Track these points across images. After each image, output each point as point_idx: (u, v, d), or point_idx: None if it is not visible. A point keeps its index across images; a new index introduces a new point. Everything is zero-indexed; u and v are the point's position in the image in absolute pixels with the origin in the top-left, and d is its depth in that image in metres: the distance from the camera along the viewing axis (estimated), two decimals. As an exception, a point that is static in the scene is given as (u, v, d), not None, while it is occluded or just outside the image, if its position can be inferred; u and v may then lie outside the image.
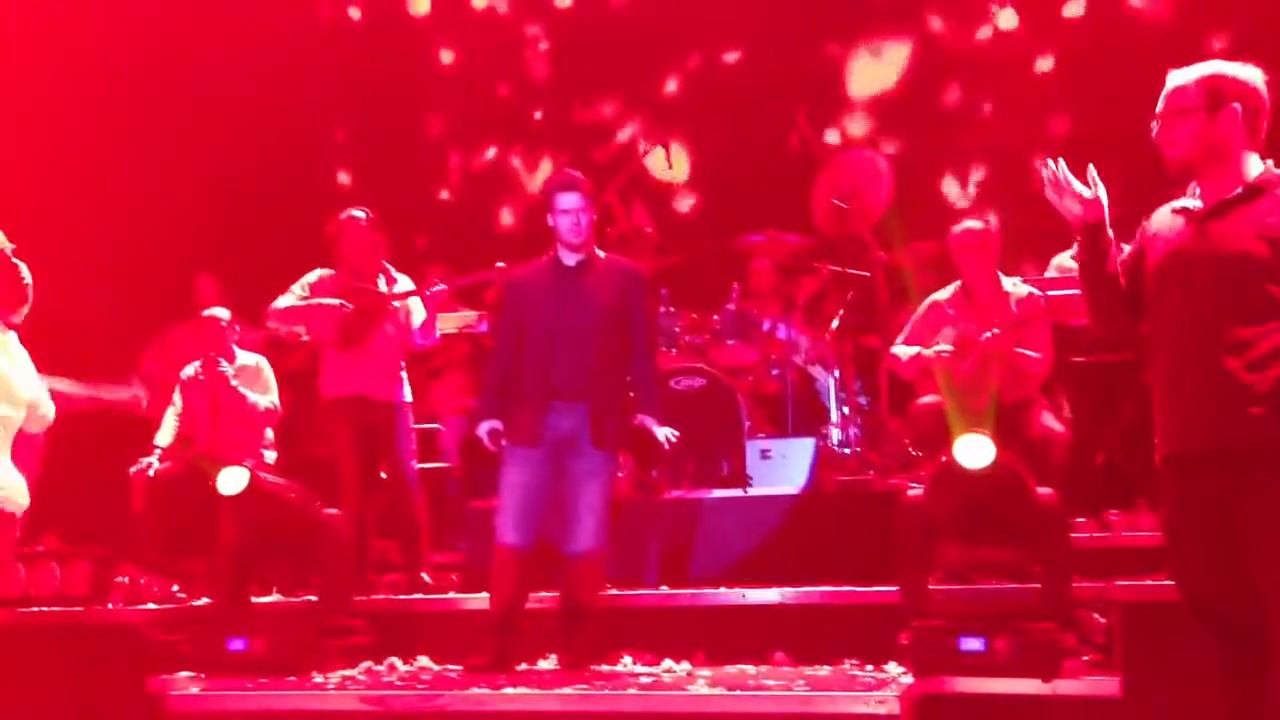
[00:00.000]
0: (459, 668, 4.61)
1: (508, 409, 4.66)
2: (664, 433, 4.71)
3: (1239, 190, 3.02)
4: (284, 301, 5.52)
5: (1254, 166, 3.05)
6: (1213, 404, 2.94)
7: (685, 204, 7.98)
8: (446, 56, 8.68)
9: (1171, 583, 3.12)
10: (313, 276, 5.57)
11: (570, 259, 4.71)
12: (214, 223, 7.55)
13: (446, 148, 8.68)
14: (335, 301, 5.46)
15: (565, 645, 4.60)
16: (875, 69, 7.85)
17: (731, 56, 8.12)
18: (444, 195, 8.67)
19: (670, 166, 7.01)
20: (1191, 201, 3.11)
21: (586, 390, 4.59)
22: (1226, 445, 2.92)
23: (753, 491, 5.52)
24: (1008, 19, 7.67)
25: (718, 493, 5.59)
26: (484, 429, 4.67)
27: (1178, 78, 3.10)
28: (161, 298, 7.16)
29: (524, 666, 4.55)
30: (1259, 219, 2.97)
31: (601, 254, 4.81)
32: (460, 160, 8.69)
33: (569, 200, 4.65)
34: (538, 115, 8.52)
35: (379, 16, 8.71)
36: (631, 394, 4.78)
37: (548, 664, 4.65)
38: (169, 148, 7.58)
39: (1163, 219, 3.17)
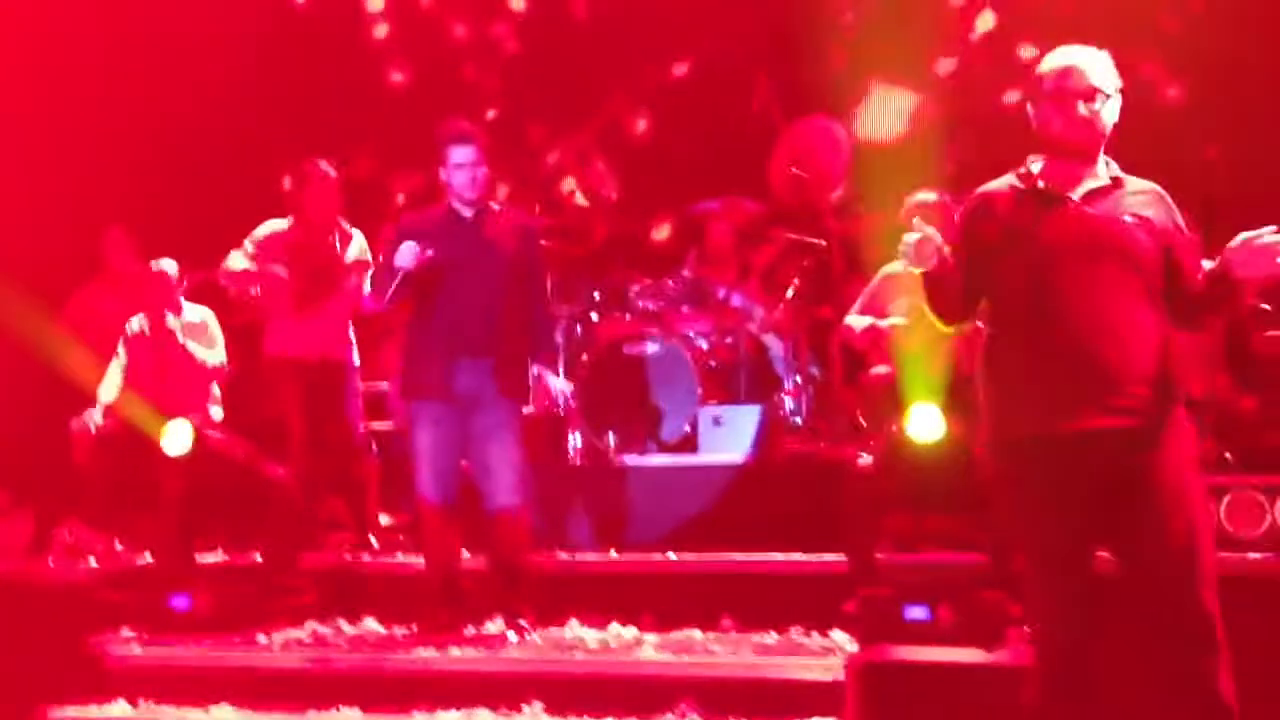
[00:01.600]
0: (405, 630, 4.59)
1: (409, 363, 4.59)
2: (558, 384, 4.73)
3: (1110, 179, 3.09)
4: (236, 263, 5.41)
5: (1103, 158, 3.12)
6: (1087, 383, 2.94)
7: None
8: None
9: (1027, 561, 3.08)
10: (263, 230, 5.46)
11: (466, 211, 4.62)
12: (125, 174, 7.32)
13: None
14: (279, 269, 5.37)
15: (504, 607, 4.54)
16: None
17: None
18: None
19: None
20: (1043, 184, 3.09)
21: (493, 345, 4.51)
22: (1117, 423, 2.92)
23: (703, 458, 5.53)
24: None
25: (669, 458, 5.59)
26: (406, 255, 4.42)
27: (1099, 56, 3.11)
28: (72, 253, 6.95)
29: (472, 631, 4.49)
30: (1128, 207, 3.04)
31: (495, 205, 4.75)
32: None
33: (463, 154, 4.53)
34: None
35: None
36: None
37: (495, 627, 4.60)
38: (80, 96, 7.35)
39: (1003, 202, 3.12)
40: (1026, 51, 6.68)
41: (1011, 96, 6.53)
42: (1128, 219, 3.03)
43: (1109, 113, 3.08)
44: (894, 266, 5.30)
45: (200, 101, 7.43)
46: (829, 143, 6.47)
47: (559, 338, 5.93)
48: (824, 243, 6.27)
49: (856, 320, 5.27)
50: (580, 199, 6.58)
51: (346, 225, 5.59)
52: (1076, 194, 3.06)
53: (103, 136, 7.28)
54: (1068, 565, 2.98)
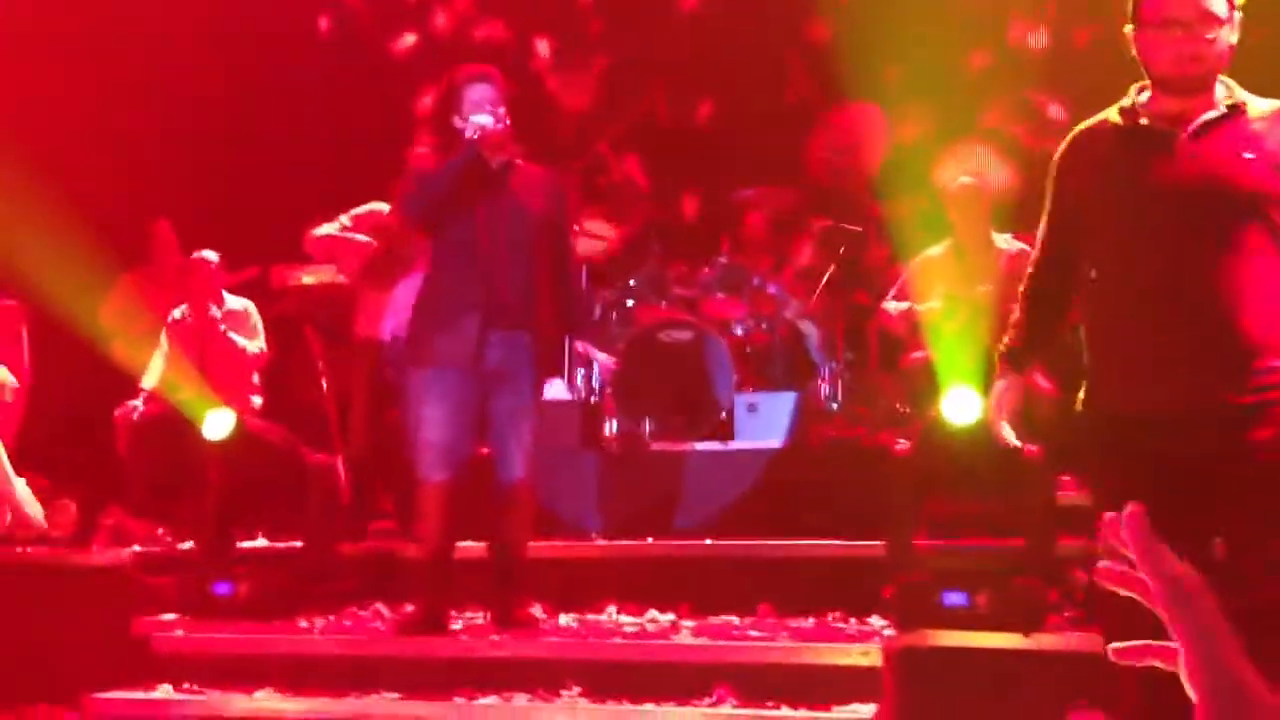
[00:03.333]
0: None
1: (428, 325, 4.16)
2: (604, 357, 4.44)
3: (1227, 106, 2.67)
4: (324, 229, 5.45)
5: (1220, 83, 2.71)
6: (1211, 355, 2.56)
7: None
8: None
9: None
10: (361, 208, 5.49)
11: (493, 161, 4.15)
12: (170, 166, 7.41)
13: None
14: (363, 239, 5.39)
15: (495, 596, 4.28)
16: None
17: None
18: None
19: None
20: (1146, 119, 2.69)
21: (529, 316, 4.13)
22: (1227, 402, 2.55)
23: (739, 444, 5.52)
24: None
25: (704, 445, 5.58)
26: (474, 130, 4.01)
27: None
28: (118, 244, 7.04)
29: (459, 624, 4.37)
30: (1249, 139, 2.63)
31: (519, 161, 4.29)
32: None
33: (481, 91, 4.09)
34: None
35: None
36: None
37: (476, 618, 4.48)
38: (124, 88, 7.43)
39: (1102, 141, 2.74)
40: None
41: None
42: (1247, 155, 2.61)
43: (1224, 39, 2.64)
44: (932, 251, 5.27)
45: (251, 98, 7.51)
46: (866, 129, 6.43)
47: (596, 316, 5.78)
48: (860, 229, 6.24)
49: (893, 305, 5.25)
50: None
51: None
52: (1187, 129, 2.65)
53: (152, 131, 7.37)
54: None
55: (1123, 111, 2.72)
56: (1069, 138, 2.84)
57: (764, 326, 6.23)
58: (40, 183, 6.67)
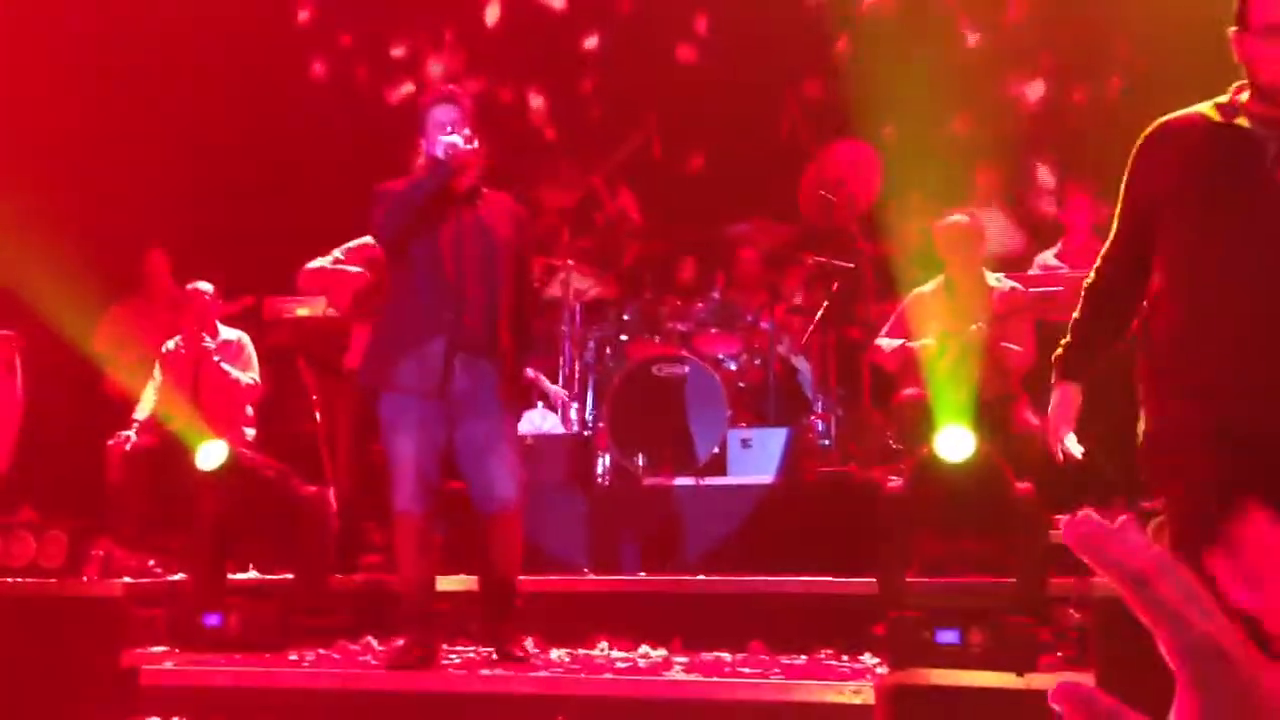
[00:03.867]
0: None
1: (392, 349, 4.11)
2: (556, 389, 4.44)
3: None
4: (316, 263, 5.49)
5: None
6: None
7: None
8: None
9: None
10: (355, 242, 5.54)
11: (460, 186, 4.13)
12: (164, 196, 7.44)
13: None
14: (355, 270, 5.42)
15: (488, 630, 4.24)
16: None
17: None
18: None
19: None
20: (1242, 120, 2.52)
21: (495, 342, 4.10)
22: None
23: (732, 479, 5.53)
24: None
25: (696, 480, 5.59)
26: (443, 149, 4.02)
27: None
28: (111, 273, 7.06)
29: (456, 658, 4.36)
30: None
31: (484, 190, 4.28)
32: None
33: (445, 112, 4.10)
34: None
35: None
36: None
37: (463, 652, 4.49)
38: (119, 119, 7.47)
39: (1193, 133, 2.56)
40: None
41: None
42: None
43: None
44: (924, 288, 5.31)
45: (248, 130, 7.55)
46: (859, 166, 6.48)
47: (589, 357, 5.86)
48: (853, 265, 6.28)
49: (886, 341, 5.27)
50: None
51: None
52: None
53: (148, 161, 7.40)
54: None
55: (1220, 108, 2.54)
56: (1154, 127, 2.63)
57: (757, 362, 6.25)
58: (35, 211, 6.69)
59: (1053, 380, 2.82)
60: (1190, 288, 2.52)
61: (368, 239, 5.51)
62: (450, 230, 4.10)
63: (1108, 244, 2.75)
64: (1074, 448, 2.77)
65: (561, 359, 5.99)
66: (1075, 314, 2.79)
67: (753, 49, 7.77)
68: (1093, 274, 2.79)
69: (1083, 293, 2.79)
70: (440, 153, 4.06)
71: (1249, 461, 2.37)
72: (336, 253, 5.48)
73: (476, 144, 4.11)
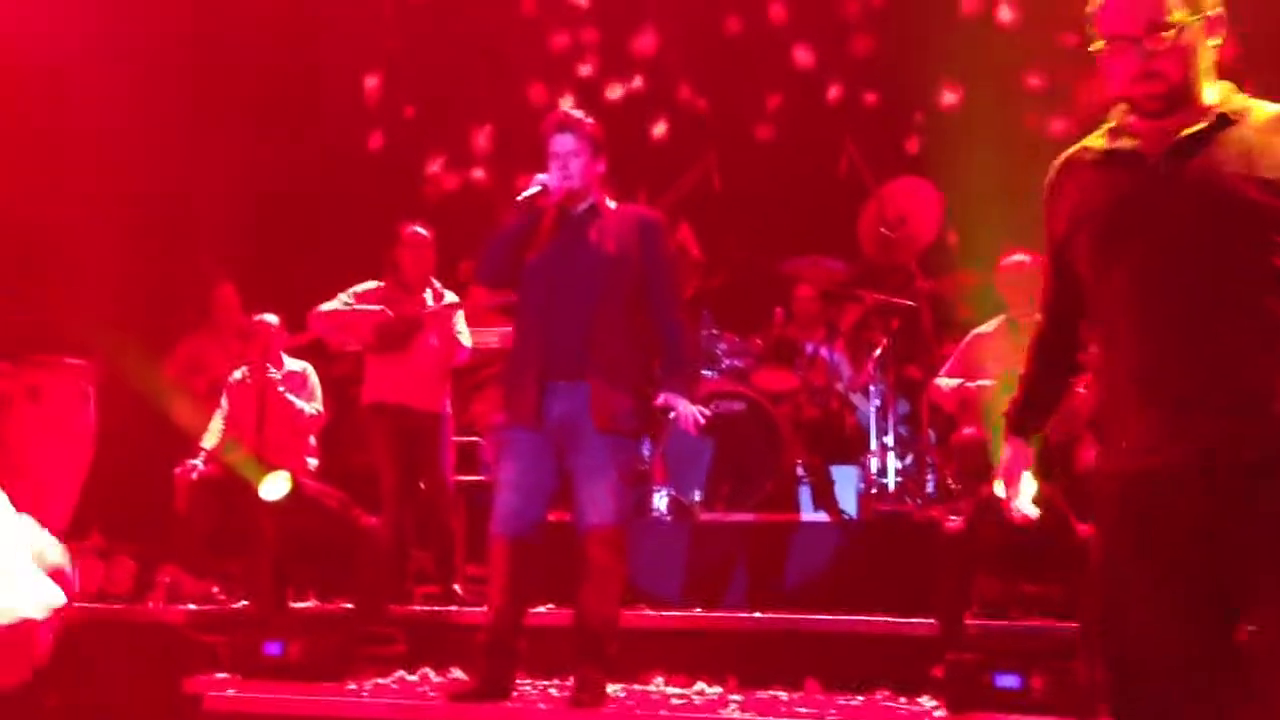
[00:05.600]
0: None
1: (504, 385, 4.13)
2: (690, 411, 4.01)
3: (1216, 117, 2.30)
4: (328, 305, 5.60)
5: (1211, 91, 2.35)
6: (1210, 401, 2.20)
7: None
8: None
9: (1099, 622, 2.36)
10: (361, 286, 5.65)
11: (572, 209, 4.14)
12: (235, 231, 7.62)
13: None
14: (375, 307, 5.53)
15: (574, 676, 4.10)
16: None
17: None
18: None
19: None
20: (1125, 140, 2.37)
21: (591, 365, 3.96)
22: (1233, 455, 2.18)
23: (791, 516, 5.51)
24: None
25: (755, 517, 5.58)
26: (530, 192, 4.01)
27: None
28: (182, 306, 7.23)
29: (529, 686, 4.34)
30: (1240, 153, 2.26)
31: (612, 204, 4.22)
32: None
33: (560, 142, 4.10)
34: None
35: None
36: (654, 368, 4.16)
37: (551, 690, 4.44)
38: (190, 154, 7.66)
39: (1080, 171, 2.43)
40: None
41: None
42: (1232, 172, 2.24)
43: (1188, 45, 2.29)
44: (985, 327, 5.28)
45: (315, 162, 7.72)
46: (919, 203, 6.47)
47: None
48: (913, 303, 6.26)
49: (945, 381, 5.25)
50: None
51: (439, 285, 5.73)
52: (1164, 149, 2.30)
53: (216, 193, 7.58)
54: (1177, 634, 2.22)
55: (1108, 133, 2.42)
56: (1055, 165, 2.51)
57: (815, 399, 6.25)
58: (105, 243, 6.87)
59: (1003, 438, 2.70)
60: (1100, 323, 2.39)
61: (370, 284, 5.62)
62: (552, 254, 4.08)
63: (1040, 293, 2.62)
64: (1028, 508, 2.63)
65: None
66: (1021, 369, 2.67)
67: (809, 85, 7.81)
68: (1034, 327, 2.68)
69: (1027, 349, 2.67)
70: (524, 194, 4.05)
71: (1158, 506, 2.26)
72: (344, 295, 5.59)
73: (577, 178, 4.08)
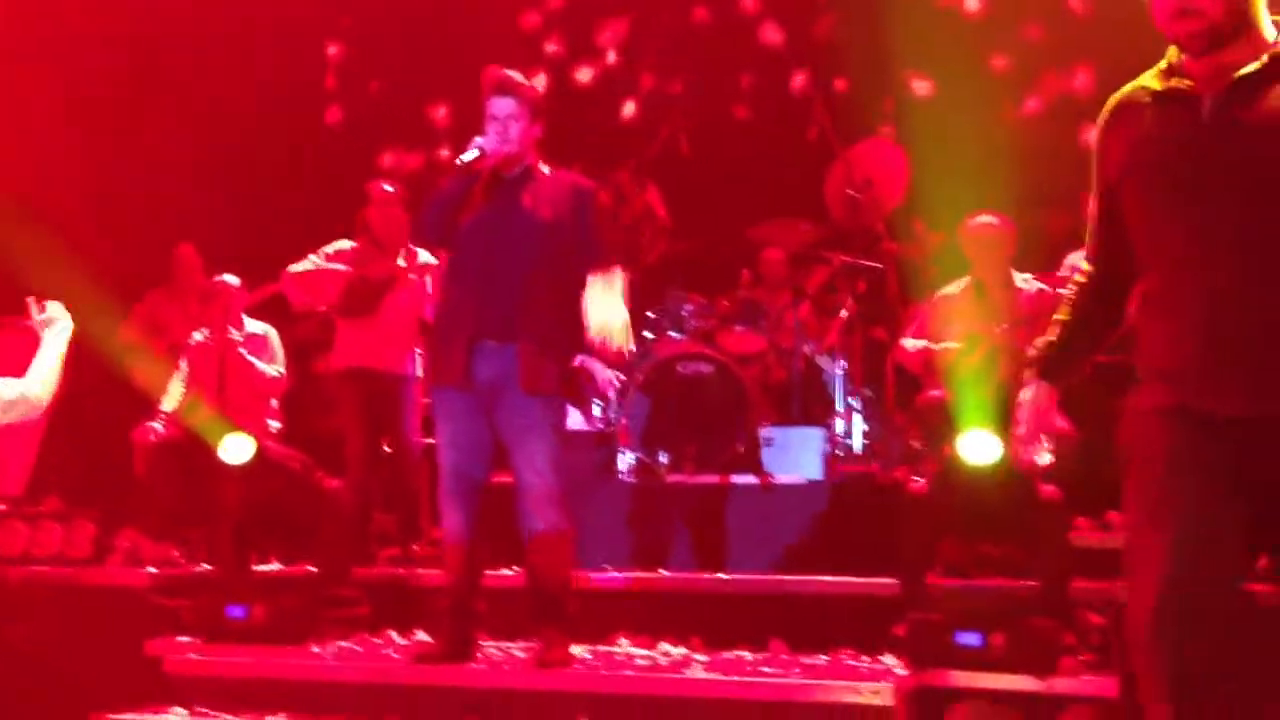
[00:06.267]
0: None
1: (432, 344, 4.15)
2: (606, 374, 4.17)
3: (1270, 58, 2.23)
4: (299, 266, 5.53)
5: (1272, 27, 2.28)
6: (1243, 357, 2.21)
7: None
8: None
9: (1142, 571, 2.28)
10: (332, 246, 5.57)
11: (508, 170, 4.11)
12: (195, 190, 7.51)
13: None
14: (342, 268, 5.46)
15: (537, 638, 4.18)
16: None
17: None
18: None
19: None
20: (1177, 81, 2.31)
21: (520, 326, 3.99)
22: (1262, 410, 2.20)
23: (755, 479, 5.52)
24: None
25: (718, 478, 5.58)
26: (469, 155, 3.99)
27: None
28: (141, 267, 7.13)
29: (495, 649, 4.36)
30: None
31: (545, 169, 4.20)
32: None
33: (500, 106, 4.05)
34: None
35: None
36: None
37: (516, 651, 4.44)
38: (149, 116, 7.55)
39: (1134, 111, 2.37)
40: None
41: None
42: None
43: None
44: (950, 288, 5.28)
45: (277, 120, 7.61)
46: (886, 165, 6.46)
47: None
48: (879, 265, 6.26)
49: (910, 342, 5.25)
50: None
51: (414, 246, 5.66)
52: (1217, 92, 2.25)
53: (178, 156, 7.48)
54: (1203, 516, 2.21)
55: (1161, 73, 2.34)
56: (1107, 107, 2.44)
57: (781, 361, 6.24)
58: (65, 204, 6.77)
59: (1025, 378, 2.64)
60: (1152, 270, 2.36)
61: (342, 243, 5.55)
62: (485, 217, 4.07)
63: (1087, 236, 2.58)
64: (1042, 455, 2.59)
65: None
66: (1058, 313, 2.63)
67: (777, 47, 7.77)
68: (1080, 271, 2.64)
69: (1069, 289, 2.65)
70: (463, 157, 4.04)
71: (1201, 439, 2.25)
72: (315, 256, 5.52)
73: (515, 142, 4.05)
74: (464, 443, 4.08)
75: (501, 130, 4.04)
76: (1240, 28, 2.24)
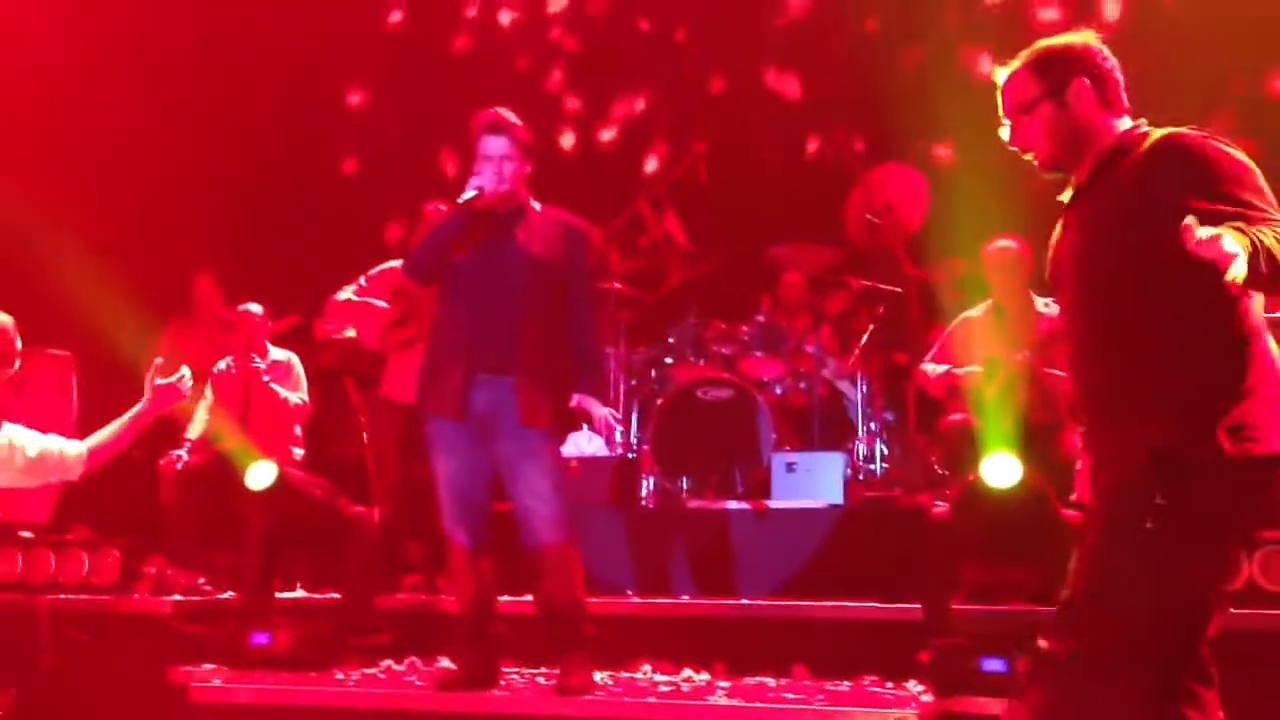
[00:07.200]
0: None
1: (425, 375, 4.18)
2: (603, 412, 4.24)
3: (1093, 167, 2.58)
4: (342, 295, 5.55)
5: (1115, 128, 2.61)
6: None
7: None
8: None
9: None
10: (378, 268, 5.59)
11: (500, 208, 4.17)
12: (214, 221, 7.58)
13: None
14: (380, 304, 5.49)
15: (558, 665, 4.19)
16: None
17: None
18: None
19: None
20: (1066, 194, 2.69)
21: (515, 359, 4.05)
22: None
23: (776, 503, 5.51)
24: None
25: (740, 504, 5.58)
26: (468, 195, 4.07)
27: (1006, 71, 2.68)
28: (162, 296, 7.20)
29: (517, 675, 4.37)
30: (1113, 195, 2.51)
31: (537, 206, 4.27)
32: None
33: (493, 145, 4.11)
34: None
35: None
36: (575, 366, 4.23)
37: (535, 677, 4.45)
38: (171, 147, 7.62)
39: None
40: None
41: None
42: (1102, 221, 2.51)
43: (1043, 121, 2.61)
44: (971, 312, 5.28)
45: (300, 150, 7.68)
46: (906, 190, 6.47)
47: (610, 367, 5.77)
48: (899, 289, 6.26)
49: (932, 366, 5.25)
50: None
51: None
52: (1069, 198, 2.66)
53: (201, 185, 7.56)
54: None
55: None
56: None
57: (802, 386, 6.25)
58: (91, 234, 6.84)
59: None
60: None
61: (390, 264, 5.57)
62: (480, 253, 4.13)
63: None
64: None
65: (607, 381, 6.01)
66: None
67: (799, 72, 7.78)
68: None
69: None
70: (464, 195, 4.10)
71: None
72: (361, 280, 5.55)
73: (508, 182, 4.12)
74: (465, 471, 4.13)
75: (496, 169, 4.12)
76: (1078, 148, 2.60)
